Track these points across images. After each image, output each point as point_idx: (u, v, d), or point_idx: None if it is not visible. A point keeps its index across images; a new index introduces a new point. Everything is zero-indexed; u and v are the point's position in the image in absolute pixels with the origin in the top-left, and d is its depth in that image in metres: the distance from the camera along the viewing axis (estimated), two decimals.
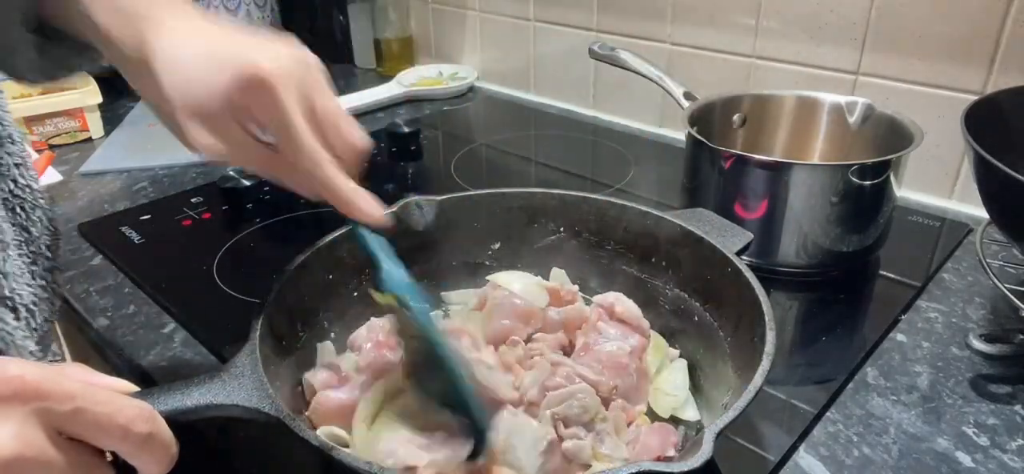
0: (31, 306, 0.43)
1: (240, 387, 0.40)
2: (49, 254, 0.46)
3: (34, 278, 0.44)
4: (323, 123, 0.43)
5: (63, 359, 0.48)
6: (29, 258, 0.44)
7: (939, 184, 0.85)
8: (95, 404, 0.31)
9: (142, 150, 1.04)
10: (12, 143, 0.42)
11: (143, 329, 0.64)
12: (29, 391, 0.29)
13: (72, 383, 0.31)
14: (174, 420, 0.36)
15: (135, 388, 0.37)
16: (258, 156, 0.43)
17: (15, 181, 0.43)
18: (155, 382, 0.58)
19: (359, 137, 0.44)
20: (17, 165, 0.43)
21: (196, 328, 0.64)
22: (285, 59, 0.40)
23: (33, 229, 0.44)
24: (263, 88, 0.39)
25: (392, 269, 0.44)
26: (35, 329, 0.44)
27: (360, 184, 0.44)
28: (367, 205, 0.44)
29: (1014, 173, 0.50)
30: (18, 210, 0.43)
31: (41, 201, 0.45)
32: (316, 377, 0.50)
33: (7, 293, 0.39)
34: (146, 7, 0.40)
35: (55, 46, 0.46)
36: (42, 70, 0.46)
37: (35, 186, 0.45)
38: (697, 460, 0.35)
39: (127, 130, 1.12)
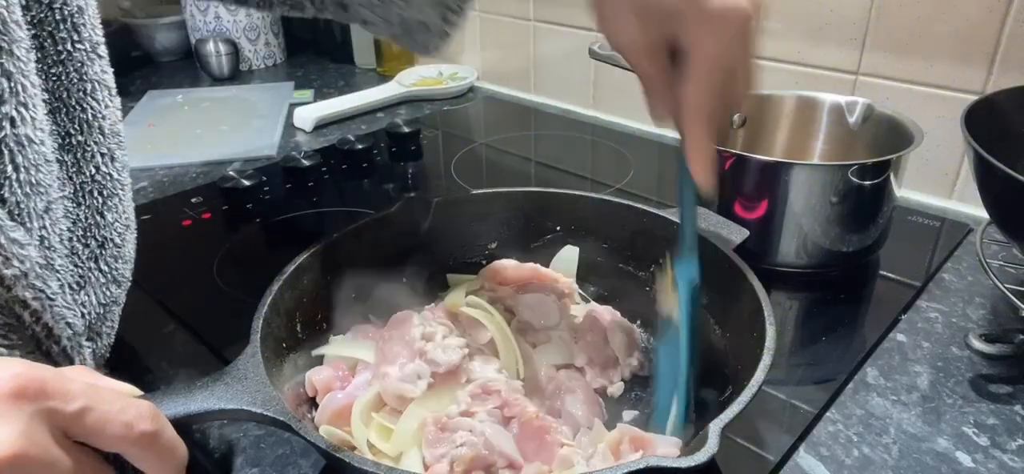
0: (79, 285, 0.45)
1: (244, 390, 0.40)
2: (119, 240, 0.48)
3: (98, 262, 0.46)
4: (734, 71, 0.43)
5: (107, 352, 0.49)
6: (98, 241, 0.46)
7: (939, 184, 0.85)
8: (100, 404, 0.31)
9: (142, 150, 1.04)
10: (102, 134, 0.46)
11: (143, 329, 0.64)
12: (34, 390, 0.29)
13: (77, 383, 0.31)
14: (178, 425, 0.36)
15: (138, 392, 0.37)
16: (659, 76, 0.44)
17: (97, 168, 0.46)
18: (155, 383, 0.58)
19: (746, 94, 0.45)
20: (103, 155, 0.46)
21: (196, 328, 0.64)
22: (732, 5, 0.41)
23: (108, 214, 0.47)
24: (699, 23, 0.41)
25: (686, 260, 0.48)
26: (83, 306, 0.45)
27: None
28: (702, 173, 0.44)
29: (1014, 173, 0.50)
30: (96, 195, 0.46)
31: (121, 192, 0.48)
32: (319, 375, 0.50)
33: (55, 265, 0.40)
34: None
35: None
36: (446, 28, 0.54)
37: (118, 177, 0.48)
38: (703, 455, 0.35)
39: (127, 130, 1.11)
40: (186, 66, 1.49)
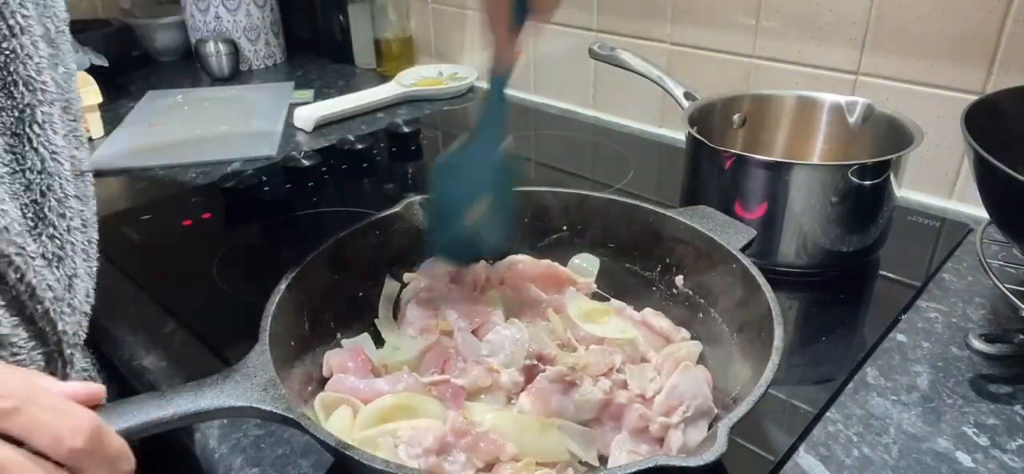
0: (58, 257, 0.46)
1: (253, 387, 0.40)
2: (87, 215, 0.49)
3: (71, 234, 0.47)
4: None
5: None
6: (72, 212, 0.47)
7: (939, 184, 0.85)
8: (32, 408, 0.31)
9: (142, 150, 1.04)
10: (62, 109, 0.47)
11: (143, 329, 0.64)
12: None
13: (13, 382, 0.31)
14: (187, 422, 0.36)
15: (100, 397, 0.36)
16: None
17: (67, 136, 0.47)
18: (155, 383, 0.58)
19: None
20: (55, 131, 0.46)
21: (196, 328, 0.64)
22: None
23: (72, 187, 0.47)
24: None
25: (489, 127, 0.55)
26: (59, 282, 0.46)
27: None
28: (504, 58, 0.51)
29: (1014, 173, 0.50)
30: (61, 168, 0.46)
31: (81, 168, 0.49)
32: (336, 358, 0.51)
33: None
34: None
35: None
36: None
37: (76, 152, 0.48)
38: (712, 455, 0.35)
39: (127, 130, 1.12)
40: (186, 66, 1.49)
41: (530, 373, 0.50)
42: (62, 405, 0.33)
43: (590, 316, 0.55)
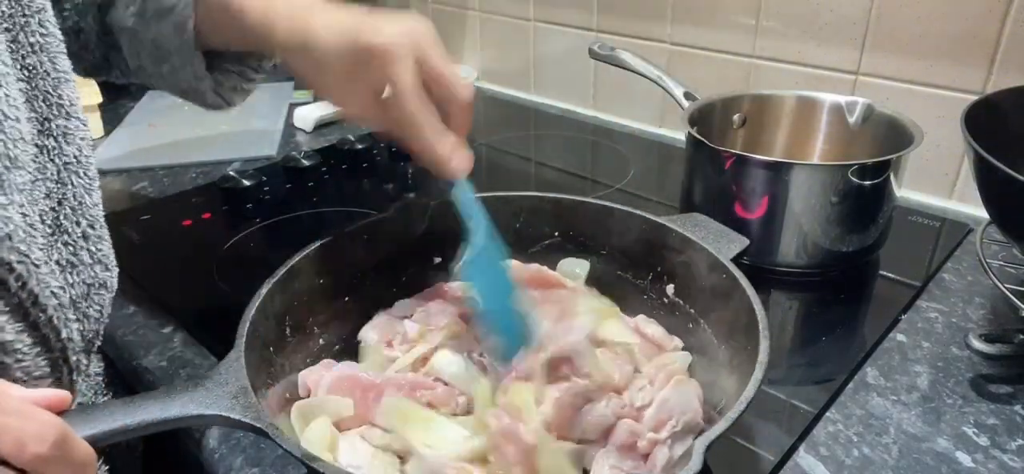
0: (72, 264, 0.47)
1: (223, 395, 0.40)
2: (103, 223, 0.51)
3: (87, 241, 0.48)
4: (432, 80, 0.49)
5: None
6: (88, 222, 0.48)
7: (939, 184, 0.85)
8: None
9: (142, 150, 1.04)
10: (79, 121, 0.48)
11: (143, 329, 0.64)
12: None
13: None
14: (155, 429, 0.36)
15: (65, 402, 0.36)
16: (383, 117, 0.50)
17: (79, 150, 0.48)
18: (155, 382, 0.58)
19: (461, 89, 0.49)
20: (82, 140, 0.48)
21: (196, 328, 0.64)
22: (395, 33, 0.47)
23: (92, 196, 0.49)
24: (375, 58, 0.47)
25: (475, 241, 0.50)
26: (73, 287, 0.47)
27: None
28: (457, 165, 0.50)
29: (1014, 173, 0.50)
30: (82, 176, 0.48)
31: (98, 178, 0.50)
32: (312, 376, 0.50)
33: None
34: (303, 8, 0.51)
35: (224, 74, 0.59)
36: (222, 96, 0.60)
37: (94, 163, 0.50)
38: (687, 473, 0.35)
39: (127, 130, 1.12)
40: None
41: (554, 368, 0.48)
42: (26, 410, 0.32)
43: (602, 314, 0.54)
